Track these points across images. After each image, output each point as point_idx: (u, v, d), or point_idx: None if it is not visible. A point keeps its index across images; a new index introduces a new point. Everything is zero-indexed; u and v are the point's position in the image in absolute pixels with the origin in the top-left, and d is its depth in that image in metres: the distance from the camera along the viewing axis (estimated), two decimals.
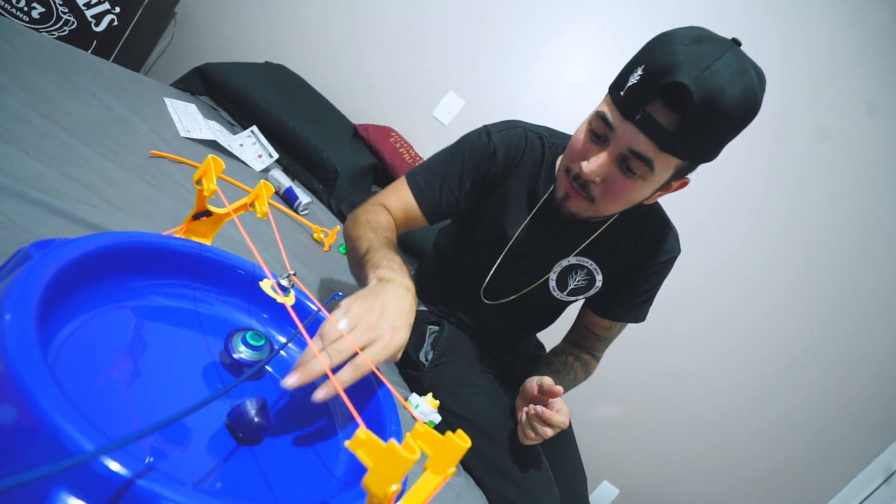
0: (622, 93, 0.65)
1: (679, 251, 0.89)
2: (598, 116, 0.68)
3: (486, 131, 0.84)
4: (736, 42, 0.63)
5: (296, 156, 1.44)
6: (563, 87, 1.76)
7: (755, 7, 1.63)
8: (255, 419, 0.38)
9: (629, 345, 1.32)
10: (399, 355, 0.50)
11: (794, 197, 1.66)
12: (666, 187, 0.74)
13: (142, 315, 0.43)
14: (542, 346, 1.14)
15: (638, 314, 0.93)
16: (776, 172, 1.66)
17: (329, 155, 1.42)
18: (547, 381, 0.76)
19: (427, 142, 1.82)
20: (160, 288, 0.46)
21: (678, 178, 0.73)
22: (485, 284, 0.92)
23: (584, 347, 0.97)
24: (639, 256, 0.87)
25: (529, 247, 0.87)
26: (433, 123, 1.84)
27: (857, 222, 1.66)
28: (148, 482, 0.24)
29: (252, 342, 0.44)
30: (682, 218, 0.98)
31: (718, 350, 1.75)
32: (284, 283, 0.47)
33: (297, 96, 1.59)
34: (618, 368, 1.49)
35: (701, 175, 0.78)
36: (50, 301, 0.33)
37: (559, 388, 0.72)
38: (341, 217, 1.42)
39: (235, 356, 0.43)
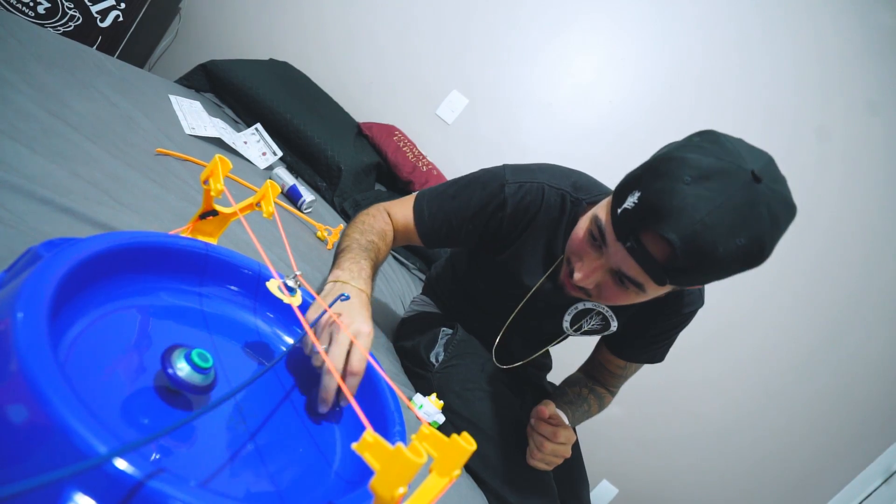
0: (618, 211, 0.60)
1: (702, 304, 0.84)
2: (595, 222, 0.64)
3: (502, 181, 0.77)
4: (756, 178, 0.53)
5: (300, 154, 1.44)
6: (568, 85, 1.76)
7: (764, 4, 1.62)
8: None
9: None
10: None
11: (800, 203, 1.65)
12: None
13: (149, 314, 0.44)
14: (548, 354, 1.12)
15: (654, 356, 0.90)
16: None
17: (333, 153, 1.42)
18: (551, 409, 0.78)
19: (430, 140, 1.82)
20: (167, 287, 0.46)
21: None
22: (496, 343, 0.91)
23: (599, 381, 0.95)
24: (658, 309, 0.82)
25: (544, 301, 0.83)
26: (437, 122, 1.84)
27: (863, 227, 1.66)
28: (158, 482, 0.25)
29: (198, 362, 0.36)
30: None
31: (719, 351, 1.75)
32: (291, 283, 0.47)
33: (302, 94, 1.60)
34: None
35: None
36: (60, 300, 0.33)
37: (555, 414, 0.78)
38: (345, 215, 1.42)
39: (170, 371, 0.35)
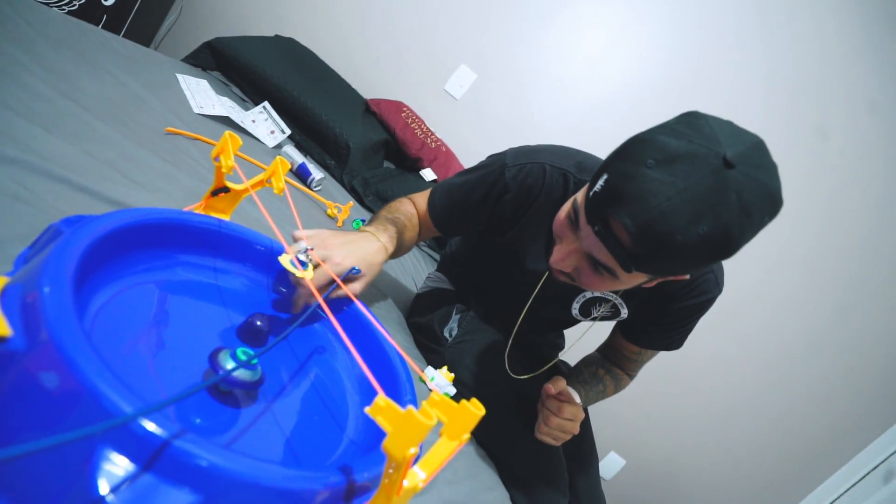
0: (590, 194, 0.58)
1: (720, 290, 0.79)
2: (573, 204, 0.63)
3: (503, 164, 0.77)
4: (727, 164, 0.49)
5: (308, 132, 1.44)
6: (579, 59, 1.71)
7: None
8: (258, 324, 0.43)
9: None
10: (359, 287, 0.59)
11: (802, 194, 1.63)
12: (661, 277, 0.65)
13: (166, 289, 0.45)
14: (561, 334, 1.14)
15: (670, 344, 0.86)
16: (786, 171, 1.62)
17: (341, 130, 1.42)
18: (560, 384, 0.78)
19: (439, 116, 1.81)
20: (183, 262, 0.48)
21: (664, 277, 0.64)
22: (510, 346, 0.90)
23: (616, 363, 0.93)
24: (669, 297, 0.78)
25: (552, 289, 0.82)
26: (445, 97, 1.81)
27: (866, 218, 1.64)
28: (184, 442, 0.26)
29: (242, 359, 0.37)
30: None
31: (727, 326, 1.75)
32: (302, 257, 0.48)
33: (308, 71, 1.58)
34: None
35: None
36: (82, 274, 0.35)
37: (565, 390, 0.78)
38: (354, 193, 1.43)
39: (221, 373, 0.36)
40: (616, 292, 0.81)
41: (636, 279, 0.62)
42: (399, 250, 0.78)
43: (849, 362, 1.72)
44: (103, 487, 0.25)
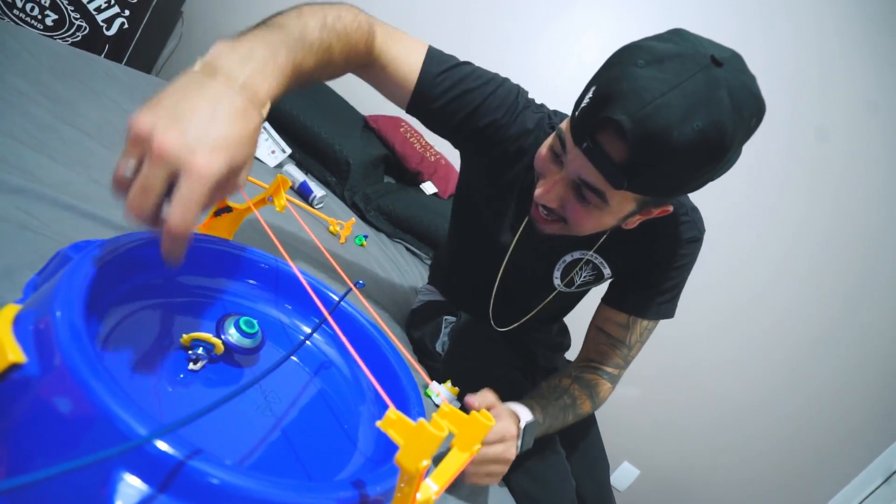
0: (576, 113, 0.57)
1: (701, 232, 0.76)
2: (557, 134, 0.61)
3: (518, 92, 0.72)
4: (716, 62, 0.50)
5: (308, 150, 1.46)
6: (574, 65, 1.73)
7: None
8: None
9: None
10: (230, 187, 0.36)
11: (808, 191, 1.64)
12: (644, 212, 0.65)
13: (173, 310, 0.45)
14: (565, 333, 1.11)
15: (661, 307, 0.78)
16: (789, 167, 1.63)
17: (341, 147, 1.44)
18: (485, 398, 0.63)
19: None
20: (188, 283, 0.48)
21: (648, 209, 0.64)
22: (491, 307, 0.87)
23: (592, 365, 0.81)
24: (651, 250, 0.75)
25: (527, 257, 0.80)
26: None
27: (870, 217, 1.64)
28: (197, 462, 0.26)
29: (245, 328, 0.43)
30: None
31: (739, 332, 1.74)
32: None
33: (306, 90, 1.60)
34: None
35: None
36: (92, 299, 0.35)
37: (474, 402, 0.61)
38: (356, 208, 1.44)
39: (223, 338, 0.42)
40: (596, 250, 0.77)
41: (624, 206, 0.61)
42: (301, 75, 0.48)
43: (863, 356, 1.71)
44: None
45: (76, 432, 0.27)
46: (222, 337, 0.42)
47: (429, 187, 1.63)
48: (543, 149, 0.64)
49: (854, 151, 1.62)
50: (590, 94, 0.55)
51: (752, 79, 0.53)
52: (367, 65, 0.64)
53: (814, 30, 1.58)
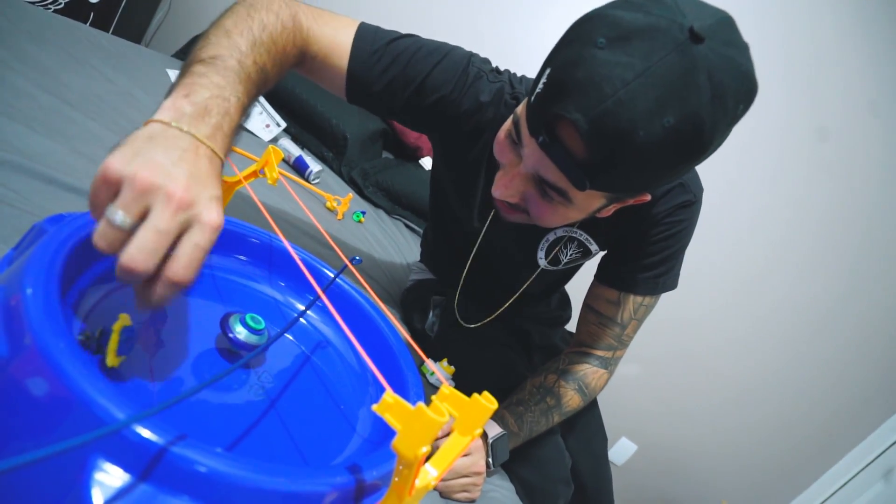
0: (532, 100, 0.48)
1: (695, 195, 0.65)
2: (513, 119, 0.52)
3: (469, 61, 0.62)
4: (695, 36, 0.40)
5: (304, 124, 1.41)
6: None
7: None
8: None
9: None
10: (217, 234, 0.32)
11: (807, 184, 1.61)
12: (618, 202, 0.56)
13: None
14: (566, 304, 1.03)
15: (656, 284, 0.70)
16: (786, 171, 1.59)
17: (337, 122, 1.39)
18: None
19: None
20: None
21: (622, 200, 0.55)
22: (457, 299, 0.80)
23: (582, 351, 0.75)
24: (639, 218, 0.66)
25: (505, 238, 0.73)
26: None
27: (865, 214, 1.62)
28: (182, 448, 0.25)
29: (252, 325, 0.40)
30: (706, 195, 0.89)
31: (738, 307, 1.73)
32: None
33: None
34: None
35: (715, 157, 0.64)
36: (70, 273, 0.33)
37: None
38: (353, 184, 1.41)
39: (232, 337, 0.39)
40: (581, 226, 0.70)
41: (592, 202, 0.53)
42: (245, 108, 0.42)
43: (865, 336, 1.71)
44: (97, 500, 0.23)
45: (48, 417, 0.25)
46: (230, 336, 0.39)
47: (428, 162, 1.59)
48: (502, 133, 0.55)
49: (854, 152, 1.58)
50: (544, 79, 0.46)
51: (741, 51, 0.44)
52: (300, 63, 0.58)
53: (814, 30, 1.53)
